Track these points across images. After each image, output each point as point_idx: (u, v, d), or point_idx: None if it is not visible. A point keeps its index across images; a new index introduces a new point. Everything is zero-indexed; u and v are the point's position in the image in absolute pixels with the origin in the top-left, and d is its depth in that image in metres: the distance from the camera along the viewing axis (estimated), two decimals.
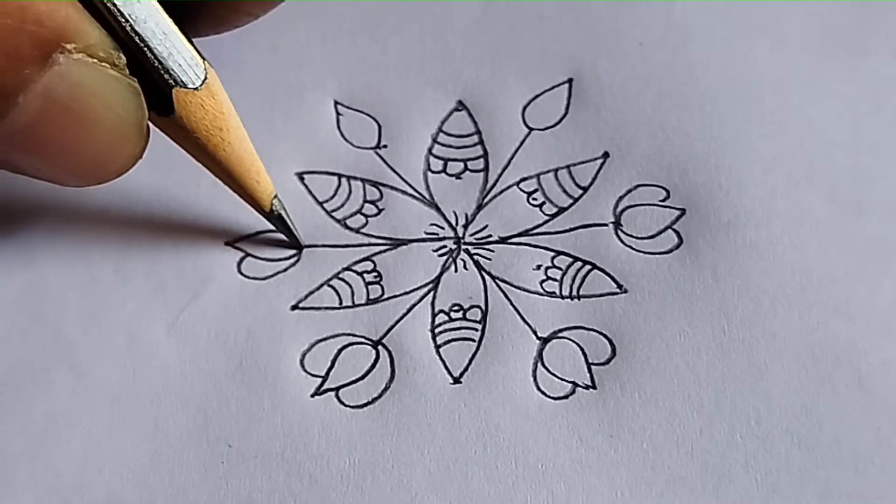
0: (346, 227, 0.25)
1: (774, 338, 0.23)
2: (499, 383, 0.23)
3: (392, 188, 0.26)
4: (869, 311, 0.23)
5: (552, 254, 0.25)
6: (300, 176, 0.26)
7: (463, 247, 0.25)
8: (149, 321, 0.24)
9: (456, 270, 0.25)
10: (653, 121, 0.26)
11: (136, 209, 0.26)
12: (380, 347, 0.24)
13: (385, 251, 0.25)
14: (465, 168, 0.26)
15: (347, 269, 0.25)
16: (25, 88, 0.19)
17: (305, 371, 0.23)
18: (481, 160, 0.26)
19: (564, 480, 0.22)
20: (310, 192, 0.26)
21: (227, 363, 0.23)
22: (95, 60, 0.19)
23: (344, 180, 0.26)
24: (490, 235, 0.25)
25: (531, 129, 0.26)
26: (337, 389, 0.23)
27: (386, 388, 0.23)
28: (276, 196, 0.24)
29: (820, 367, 0.23)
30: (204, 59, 0.22)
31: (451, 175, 0.26)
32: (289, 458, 0.22)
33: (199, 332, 0.24)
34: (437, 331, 0.24)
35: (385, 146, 0.26)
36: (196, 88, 0.22)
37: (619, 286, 0.24)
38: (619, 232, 0.25)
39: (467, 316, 0.24)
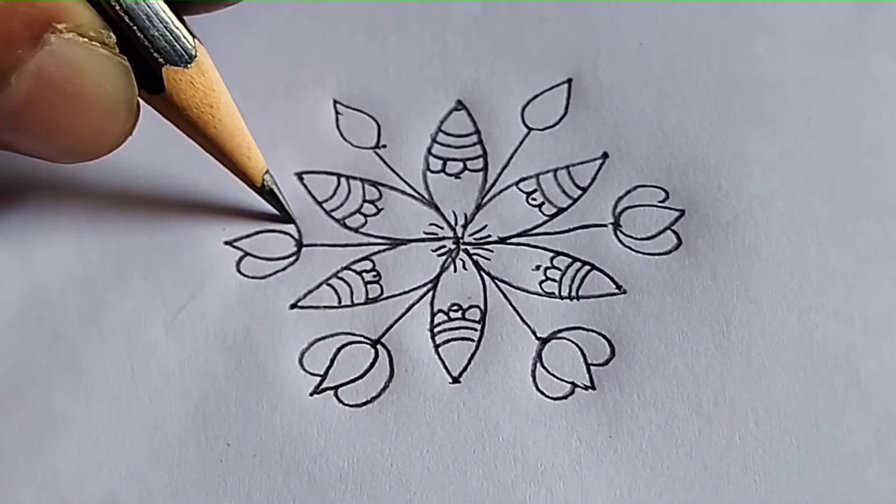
0: (346, 226, 0.25)
1: (773, 339, 0.23)
2: (498, 383, 0.23)
3: (391, 188, 0.26)
4: (868, 313, 0.23)
5: (551, 254, 0.25)
6: (299, 175, 0.26)
7: (462, 247, 0.25)
8: (148, 320, 0.24)
9: (455, 270, 0.25)
10: (652, 121, 0.26)
11: (135, 209, 0.25)
12: (379, 347, 0.24)
13: (384, 251, 0.25)
14: (465, 168, 0.26)
15: (346, 268, 0.25)
16: (17, 69, 0.19)
17: (304, 370, 0.23)
18: (480, 160, 0.26)
19: (563, 480, 0.22)
20: (309, 191, 0.26)
21: (226, 362, 0.23)
22: (86, 40, 0.20)
23: (343, 180, 0.26)
24: (489, 235, 0.25)
25: (530, 129, 0.26)
26: (336, 388, 0.23)
27: (385, 388, 0.23)
28: (267, 171, 0.24)
29: (819, 368, 0.23)
30: (195, 37, 0.22)
31: (451, 175, 0.26)
32: (288, 457, 0.22)
33: (198, 330, 0.24)
34: (436, 330, 0.24)
35: (384, 146, 0.26)
36: (186, 66, 0.22)
37: (619, 287, 0.24)
38: (619, 232, 0.25)
39: (466, 316, 0.24)
